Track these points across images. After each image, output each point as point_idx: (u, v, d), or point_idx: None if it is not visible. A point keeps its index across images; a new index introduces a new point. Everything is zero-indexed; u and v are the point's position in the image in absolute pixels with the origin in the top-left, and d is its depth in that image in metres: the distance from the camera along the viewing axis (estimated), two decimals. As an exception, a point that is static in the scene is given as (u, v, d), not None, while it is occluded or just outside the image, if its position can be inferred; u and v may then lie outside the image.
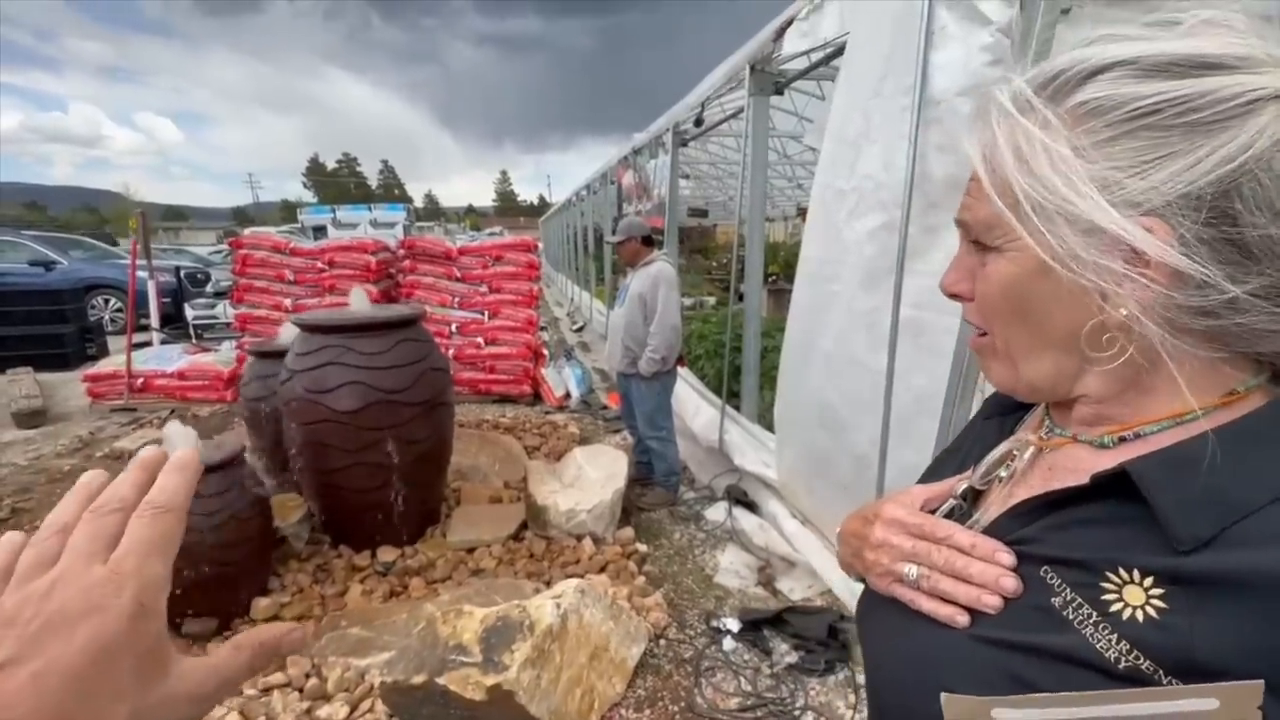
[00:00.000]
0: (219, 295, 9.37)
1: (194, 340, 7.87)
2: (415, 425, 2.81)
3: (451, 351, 5.65)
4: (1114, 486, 0.41)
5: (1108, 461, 0.43)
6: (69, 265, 9.41)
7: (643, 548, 3.08)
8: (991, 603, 0.44)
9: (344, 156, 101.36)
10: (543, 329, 7.07)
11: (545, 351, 6.19)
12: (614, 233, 3.77)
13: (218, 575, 2.33)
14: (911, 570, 0.49)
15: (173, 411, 5.38)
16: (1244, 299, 0.37)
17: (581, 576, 2.63)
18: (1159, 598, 0.37)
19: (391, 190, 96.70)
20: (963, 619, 0.45)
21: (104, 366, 5.78)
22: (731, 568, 3.04)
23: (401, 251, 6.08)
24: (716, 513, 3.55)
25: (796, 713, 2.12)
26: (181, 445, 2.40)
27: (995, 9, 1.74)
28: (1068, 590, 0.41)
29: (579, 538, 3.03)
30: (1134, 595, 0.38)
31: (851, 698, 2.17)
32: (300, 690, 2.09)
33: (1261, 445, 0.39)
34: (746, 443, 3.69)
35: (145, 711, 0.29)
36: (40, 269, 9.17)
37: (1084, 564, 0.41)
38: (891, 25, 2.14)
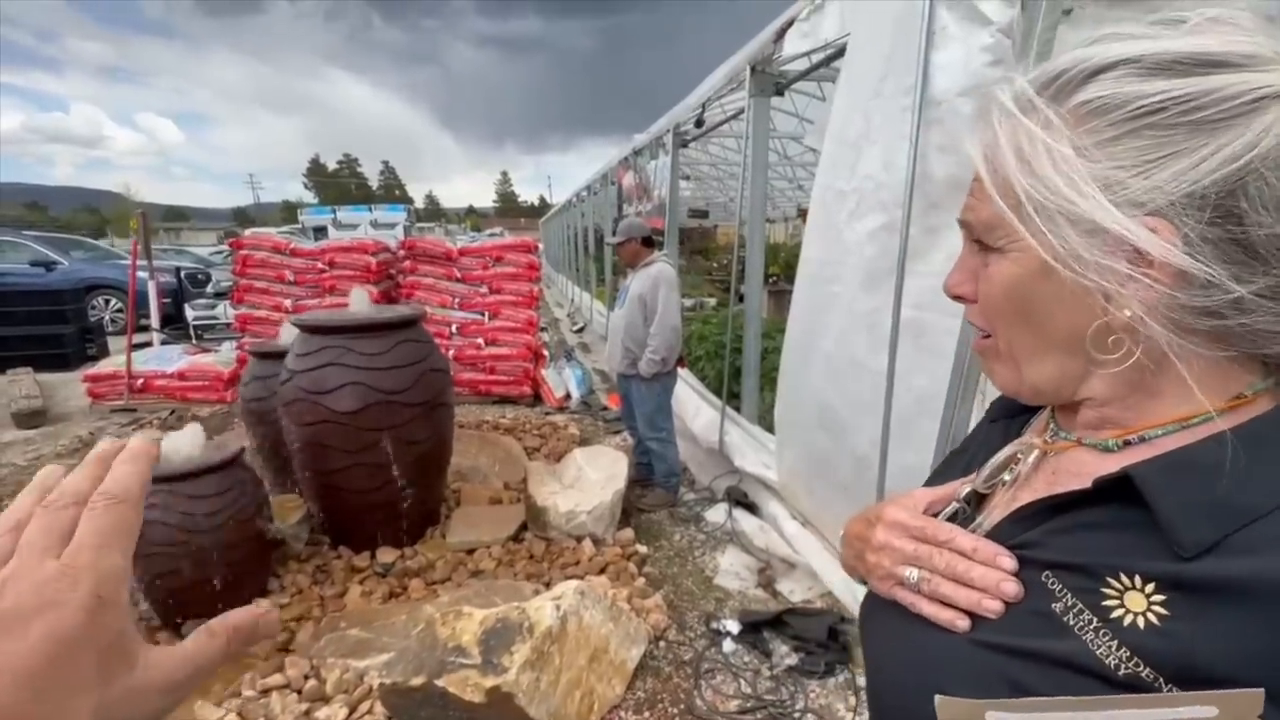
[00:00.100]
0: (219, 296, 9.38)
1: (194, 341, 7.88)
2: (415, 426, 2.81)
3: (452, 352, 5.65)
4: (1117, 491, 0.41)
5: (1111, 465, 0.42)
6: (69, 265, 9.41)
7: (643, 549, 3.08)
8: (992, 607, 0.43)
9: (345, 157, 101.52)
10: (543, 330, 7.08)
11: (545, 352, 6.19)
12: (614, 234, 3.77)
13: (217, 576, 2.33)
14: (912, 573, 0.48)
15: (172, 412, 5.38)
16: (1250, 299, 0.37)
17: (581, 578, 2.62)
18: (1160, 604, 0.37)
19: (392, 191, 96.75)
20: (963, 623, 0.44)
21: (104, 367, 5.79)
22: (731, 569, 3.03)
23: (402, 252, 6.08)
24: (716, 514, 3.54)
25: (796, 715, 2.12)
26: (191, 446, 2.40)
27: (996, 9, 1.73)
28: (1069, 595, 0.41)
29: (579, 539, 3.03)
30: (1135, 601, 0.38)
31: (852, 700, 2.16)
32: (299, 692, 2.08)
33: (1267, 450, 0.38)
34: (747, 444, 3.68)
35: (113, 705, 0.28)
36: (41, 269, 9.17)
37: (1085, 569, 0.41)
38: (892, 26, 2.13)
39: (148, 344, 6.35)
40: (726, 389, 3.95)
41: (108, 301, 9.58)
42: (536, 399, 5.80)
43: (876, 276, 2.27)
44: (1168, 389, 0.42)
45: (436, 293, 5.94)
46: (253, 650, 2.31)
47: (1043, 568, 0.43)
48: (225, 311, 8.03)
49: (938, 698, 0.42)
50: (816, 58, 3.02)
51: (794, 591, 2.82)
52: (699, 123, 4.76)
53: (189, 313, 8.83)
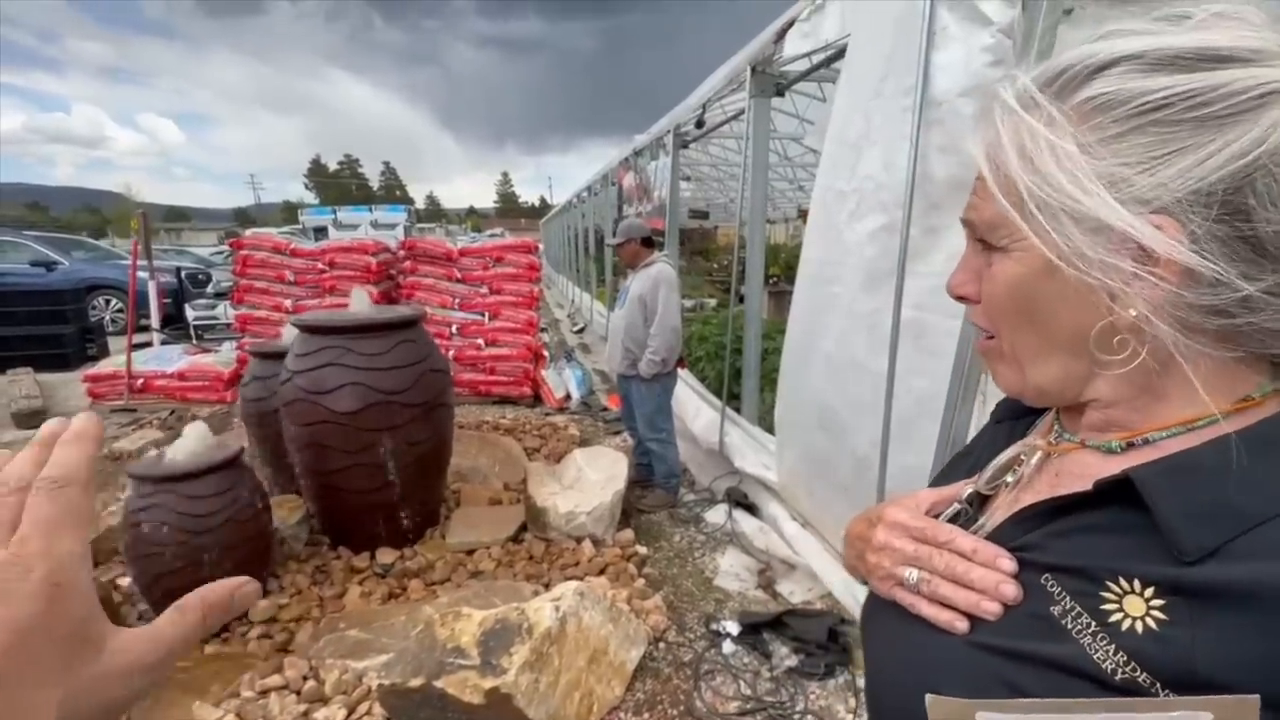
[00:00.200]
0: (220, 296, 9.38)
1: (194, 341, 7.88)
2: (415, 426, 2.81)
3: (452, 353, 5.65)
4: (1118, 493, 0.40)
5: (1114, 467, 0.42)
6: (70, 265, 9.41)
7: (642, 550, 3.07)
8: (991, 609, 0.43)
9: (346, 158, 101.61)
10: (543, 330, 7.07)
11: (545, 353, 6.19)
12: (614, 235, 3.77)
13: (217, 576, 2.32)
14: (912, 574, 0.48)
15: (172, 412, 5.38)
16: (1258, 297, 0.36)
17: (581, 579, 2.62)
18: (1160, 609, 0.37)
19: (393, 191, 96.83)
20: (961, 625, 0.44)
21: (104, 367, 5.79)
22: (731, 570, 3.03)
23: (402, 253, 6.08)
24: (716, 515, 3.54)
25: (796, 716, 2.11)
26: (196, 444, 2.40)
27: (997, 10, 1.73)
28: (1067, 599, 0.40)
29: (578, 540, 3.02)
30: (1134, 606, 0.37)
31: (852, 701, 2.16)
32: (298, 693, 2.08)
33: (1273, 454, 0.38)
34: (747, 445, 3.68)
35: (80, 694, 0.27)
36: (41, 269, 9.18)
37: (1085, 572, 0.40)
38: (893, 26, 2.13)
39: (148, 344, 6.34)
40: (727, 390, 3.95)
41: (108, 301, 9.58)
42: (536, 400, 5.80)
43: (877, 277, 2.27)
44: (1174, 390, 0.42)
45: (437, 293, 5.93)
46: (252, 650, 2.31)
47: (1042, 570, 0.43)
48: (225, 312, 8.03)
49: (928, 697, 0.41)
50: (817, 58, 3.03)
51: (794, 593, 2.82)
52: (699, 123, 4.76)
53: (189, 313, 8.82)
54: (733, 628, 2.52)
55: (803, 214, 10.48)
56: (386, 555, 2.87)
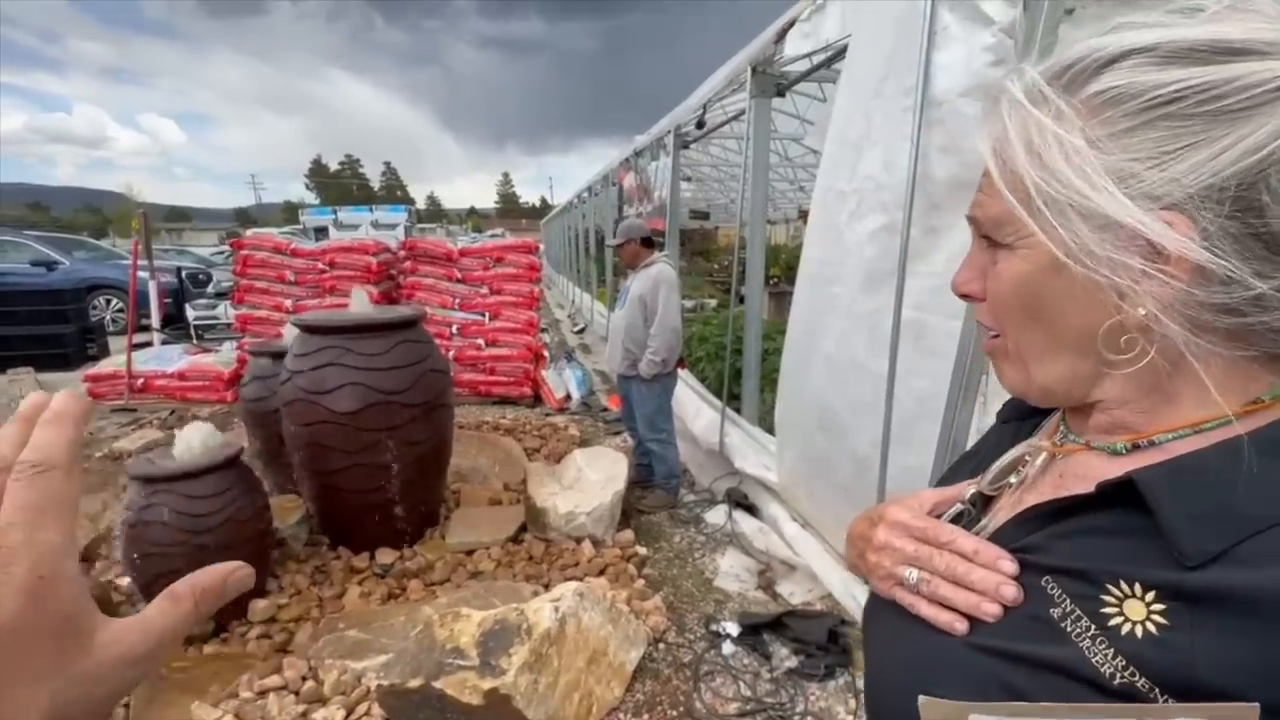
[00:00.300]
0: (220, 296, 9.39)
1: (195, 341, 7.88)
2: (415, 427, 2.80)
3: (452, 353, 5.64)
4: (1122, 496, 0.40)
5: (1119, 469, 0.41)
6: (71, 265, 9.42)
7: (642, 551, 3.07)
8: (990, 610, 0.43)
9: (347, 158, 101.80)
10: (543, 331, 7.07)
11: (546, 353, 6.18)
12: (615, 235, 3.77)
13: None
14: (912, 574, 0.48)
15: (172, 412, 5.38)
16: (1271, 295, 0.36)
17: (580, 579, 2.61)
18: (1160, 614, 0.36)
19: (394, 191, 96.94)
20: (961, 626, 0.44)
21: (104, 367, 5.79)
22: (731, 571, 3.02)
23: (402, 253, 6.08)
24: (716, 516, 3.53)
25: (796, 718, 2.11)
26: (199, 443, 2.39)
27: (998, 9, 1.73)
28: (1068, 601, 0.40)
29: (578, 540, 3.02)
30: (1134, 610, 0.37)
31: (851, 703, 2.15)
32: (296, 693, 2.07)
33: None
34: (747, 445, 3.67)
35: (71, 688, 0.27)
36: (42, 269, 9.18)
37: (1086, 575, 0.40)
38: (894, 26, 2.13)
39: (148, 344, 6.34)
40: (727, 390, 3.94)
41: (109, 301, 9.58)
42: (537, 400, 5.79)
43: (877, 277, 2.27)
44: (1184, 391, 0.41)
45: (437, 293, 5.93)
46: (251, 650, 2.30)
47: (1043, 572, 0.42)
48: (226, 311, 8.03)
49: (921, 698, 0.41)
50: (818, 58, 3.02)
51: (794, 594, 2.81)
52: (700, 124, 4.75)
53: (190, 313, 8.83)
54: (732, 629, 2.51)
55: (803, 214, 10.47)
56: (386, 555, 2.87)
